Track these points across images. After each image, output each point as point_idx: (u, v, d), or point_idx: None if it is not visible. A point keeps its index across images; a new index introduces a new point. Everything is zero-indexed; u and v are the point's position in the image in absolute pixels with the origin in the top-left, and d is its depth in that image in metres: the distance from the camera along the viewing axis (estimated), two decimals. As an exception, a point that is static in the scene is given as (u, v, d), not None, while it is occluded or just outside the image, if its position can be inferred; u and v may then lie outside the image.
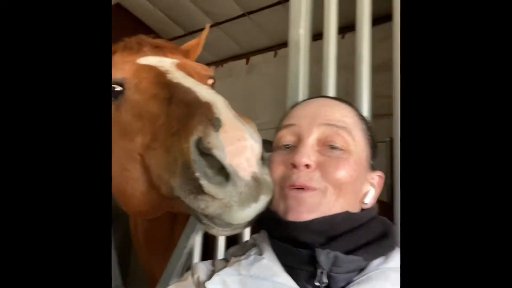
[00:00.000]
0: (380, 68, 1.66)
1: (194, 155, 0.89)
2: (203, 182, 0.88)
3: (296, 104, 1.08)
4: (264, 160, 0.96)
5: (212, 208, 0.89)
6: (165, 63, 1.31)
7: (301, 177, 0.88)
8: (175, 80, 1.15)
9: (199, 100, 0.99)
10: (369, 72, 1.38)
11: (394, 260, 0.86)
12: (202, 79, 1.32)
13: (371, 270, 0.83)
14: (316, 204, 0.86)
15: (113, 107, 1.27)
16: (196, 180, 0.88)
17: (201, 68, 1.42)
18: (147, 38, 1.48)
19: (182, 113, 1.01)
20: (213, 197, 0.88)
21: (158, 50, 1.42)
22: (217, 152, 0.86)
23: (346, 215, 0.88)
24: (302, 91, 1.47)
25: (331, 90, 1.42)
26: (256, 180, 0.88)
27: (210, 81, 1.42)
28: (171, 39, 3.70)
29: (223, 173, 0.88)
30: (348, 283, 0.82)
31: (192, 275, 0.95)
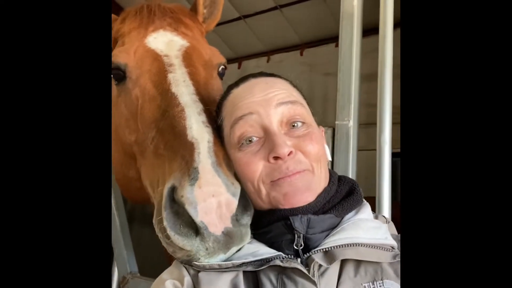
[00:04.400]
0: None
1: (165, 202, 0.89)
2: (171, 234, 0.88)
3: (227, 95, 1.04)
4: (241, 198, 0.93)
5: (179, 255, 0.90)
6: (172, 48, 1.23)
7: (290, 165, 0.89)
8: (173, 88, 1.11)
9: (186, 135, 0.98)
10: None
11: (365, 213, 0.94)
12: (209, 72, 1.26)
13: (344, 223, 0.90)
14: (309, 181, 0.91)
15: (115, 90, 1.27)
16: (164, 229, 0.89)
17: (211, 54, 1.32)
18: (162, 4, 1.38)
19: (170, 141, 1.01)
20: (180, 248, 0.88)
21: (172, 20, 1.32)
22: (189, 209, 0.85)
23: (325, 192, 0.94)
24: (355, 61, 1.43)
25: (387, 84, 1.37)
26: (227, 234, 0.87)
27: (221, 68, 1.34)
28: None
29: (192, 225, 0.87)
30: None
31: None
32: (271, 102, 0.94)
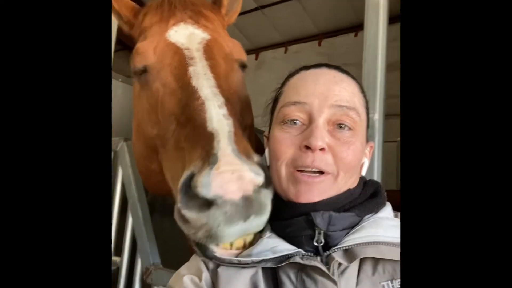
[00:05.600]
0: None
1: (182, 186, 0.90)
2: (185, 212, 0.88)
3: (299, 71, 1.04)
4: (261, 164, 0.92)
5: (199, 233, 0.88)
6: (193, 41, 1.24)
7: (316, 160, 0.88)
8: (194, 82, 1.12)
9: (206, 127, 0.99)
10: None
11: (384, 212, 0.93)
12: (229, 65, 1.26)
13: (364, 222, 0.89)
14: (327, 188, 0.90)
15: (137, 84, 1.29)
16: (179, 210, 0.89)
17: (232, 47, 1.32)
18: None
19: (190, 133, 1.02)
20: (199, 226, 0.87)
21: (192, 13, 1.33)
22: (202, 190, 0.84)
23: (348, 192, 0.93)
24: (380, 52, 1.40)
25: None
26: (246, 199, 0.85)
27: (242, 64, 1.32)
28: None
29: (205, 202, 0.86)
30: None
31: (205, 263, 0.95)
32: (329, 99, 0.94)
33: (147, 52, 1.23)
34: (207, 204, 0.86)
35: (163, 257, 1.79)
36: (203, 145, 0.95)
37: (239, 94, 1.23)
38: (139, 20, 1.39)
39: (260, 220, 0.88)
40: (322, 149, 0.89)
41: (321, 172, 0.89)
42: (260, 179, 0.87)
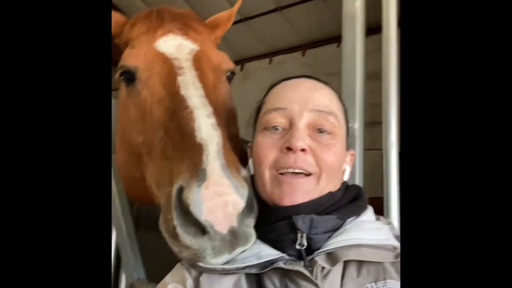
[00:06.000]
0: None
1: (175, 202, 0.90)
2: (180, 232, 0.88)
3: (280, 82, 1.08)
4: (245, 178, 0.95)
5: (185, 253, 0.90)
6: (182, 51, 1.24)
7: (298, 160, 0.90)
8: (182, 91, 1.12)
9: (195, 137, 0.99)
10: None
11: (366, 215, 0.94)
12: (217, 76, 1.27)
13: (346, 225, 0.90)
14: (310, 189, 0.91)
15: (124, 91, 1.28)
16: (174, 227, 0.89)
17: (220, 59, 1.32)
18: (171, 8, 1.39)
19: (178, 142, 1.02)
20: (187, 247, 0.89)
21: (181, 25, 1.33)
22: (194, 209, 0.86)
23: (329, 195, 0.94)
24: (358, 63, 1.41)
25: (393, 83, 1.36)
26: (233, 233, 0.87)
27: (229, 74, 1.34)
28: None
29: (199, 225, 0.88)
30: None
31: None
32: (308, 104, 0.96)
33: (138, 56, 1.23)
34: (200, 230, 0.87)
35: (149, 272, 1.76)
36: (191, 156, 0.95)
37: (226, 105, 1.23)
38: (126, 30, 1.38)
39: (245, 248, 0.89)
40: (303, 150, 0.90)
41: (304, 174, 0.91)
42: (242, 203, 0.89)
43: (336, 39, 3.85)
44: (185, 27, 1.32)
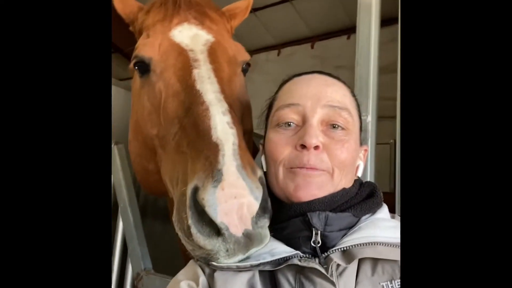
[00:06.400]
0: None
1: (190, 202, 0.90)
2: (194, 231, 0.88)
3: (292, 78, 1.07)
4: (261, 181, 0.93)
5: (198, 253, 0.90)
6: (197, 42, 1.22)
7: (311, 159, 0.90)
8: (198, 85, 1.10)
9: (210, 136, 0.98)
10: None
11: (381, 213, 0.94)
12: (233, 68, 1.25)
13: (362, 223, 0.90)
14: (324, 183, 0.91)
15: (138, 82, 1.27)
16: (188, 227, 0.89)
17: (236, 50, 1.30)
18: None
19: (193, 139, 1.01)
20: (200, 247, 0.88)
21: (197, 13, 1.30)
22: (209, 210, 0.85)
23: (343, 191, 0.94)
24: (373, 55, 1.40)
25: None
26: (247, 236, 0.87)
27: (244, 65, 1.32)
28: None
29: (214, 225, 0.87)
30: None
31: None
32: (321, 100, 0.96)
33: (153, 46, 1.21)
34: (215, 231, 0.87)
35: (155, 262, 1.77)
36: (207, 155, 0.94)
37: (241, 99, 1.22)
38: (140, 17, 1.37)
39: (259, 248, 0.89)
40: (317, 148, 0.90)
41: (317, 169, 0.90)
42: (257, 205, 0.88)
43: (346, 31, 3.81)
44: (201, 16, 1.30)
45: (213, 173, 0.89)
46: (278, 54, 4.32)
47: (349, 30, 3.68)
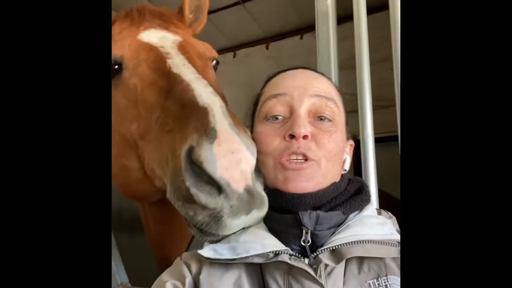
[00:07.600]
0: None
1: (185, 164, 0.87)
2: (194, 192, 0.86)
3: (277, 74, 1.08)
4: (257, 173, 0.93)
5: (200, 216, 0.87)
6: (166, 41, 1.24)
7: (301, 146, 0.91)
8: (174, 70, 1.11)
9: (197, 102, 0.96)
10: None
11: (369, 210, 0.95)
12: (204, 62, 1.27)
13: (349, 221, 0.91)
14: (313, 174, 0.91)
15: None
16: (187, 189, 0.87)
17: (204, 48, 1.34)
18: (150, 6, 1.40)
19: (178, 113, 0.99)
20: (203, 206, 0.86)
21: (161, 21, 1.34)
22: (207, 167, 0.84)
23: (334, 186, 0.95)
24: (333, 59, 1.48)
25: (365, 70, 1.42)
26: (249, 192, 0.86)
27: (214, 63, 1.35)
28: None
29: (214, 183, 0.86)
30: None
31: (185, 263, 0.92)
32: (307, 90, 0.97)
33: (122, 46, 1.21)
34: (216, 189, 0.85)
35: (133, 275, 1.71)
36: (197, 118, 0.93)
37: (218, 90, 1.23)
38: None
39: (260, 213, 0.89)
40: (305, 137, 0.92)
41: (305, 160, 0.92)
42: (254, 160, 0.88)
43: (298, 31, 3.89)
44: (165, 23, 1.33)
45: (207, 131, 0.87)
46: (234, 56, 4.33)
47: (302, 30, 3.76)
